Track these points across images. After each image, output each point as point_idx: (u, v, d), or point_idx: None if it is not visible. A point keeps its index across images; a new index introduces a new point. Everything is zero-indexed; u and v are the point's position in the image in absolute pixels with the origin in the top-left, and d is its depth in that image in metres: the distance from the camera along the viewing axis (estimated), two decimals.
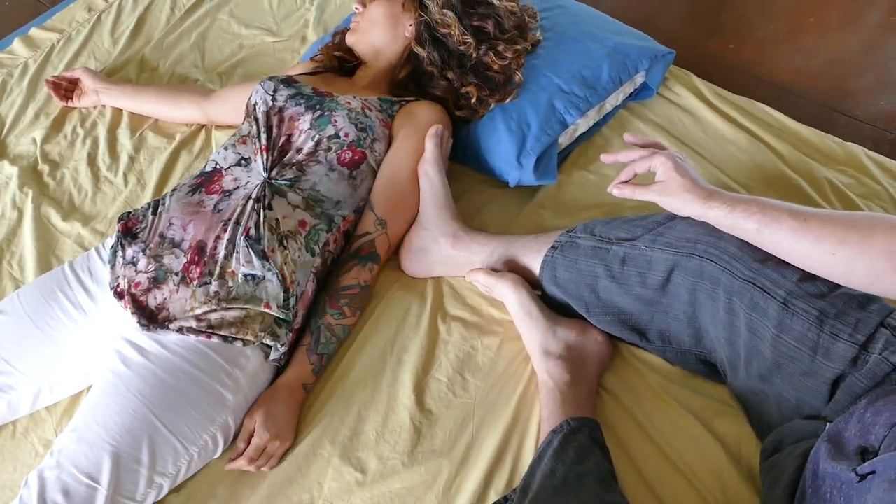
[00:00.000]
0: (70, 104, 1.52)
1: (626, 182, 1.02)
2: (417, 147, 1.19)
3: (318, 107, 1.19)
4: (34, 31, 1.68)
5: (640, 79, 1.36)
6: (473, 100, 1.26)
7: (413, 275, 1.21)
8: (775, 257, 0.90)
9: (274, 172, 1.13)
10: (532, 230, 1.21)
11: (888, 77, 1.54)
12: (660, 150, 0.99)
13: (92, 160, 1.43)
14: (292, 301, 1.06)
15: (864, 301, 0.88)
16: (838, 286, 0.88)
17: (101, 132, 1.47)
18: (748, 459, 0.97)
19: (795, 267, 0.89)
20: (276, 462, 1.02)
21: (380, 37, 1.29)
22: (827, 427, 0.81)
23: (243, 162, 1.15)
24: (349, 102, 1.19)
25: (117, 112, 1.50)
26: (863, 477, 0.63)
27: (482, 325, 1.14)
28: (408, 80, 1.30)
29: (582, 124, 1.30)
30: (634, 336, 1.06)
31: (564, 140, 1.30)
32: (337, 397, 1.08)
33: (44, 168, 1.42)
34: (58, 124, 1.50)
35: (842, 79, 1.51)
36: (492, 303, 1.16)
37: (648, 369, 1.07)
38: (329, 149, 1.15)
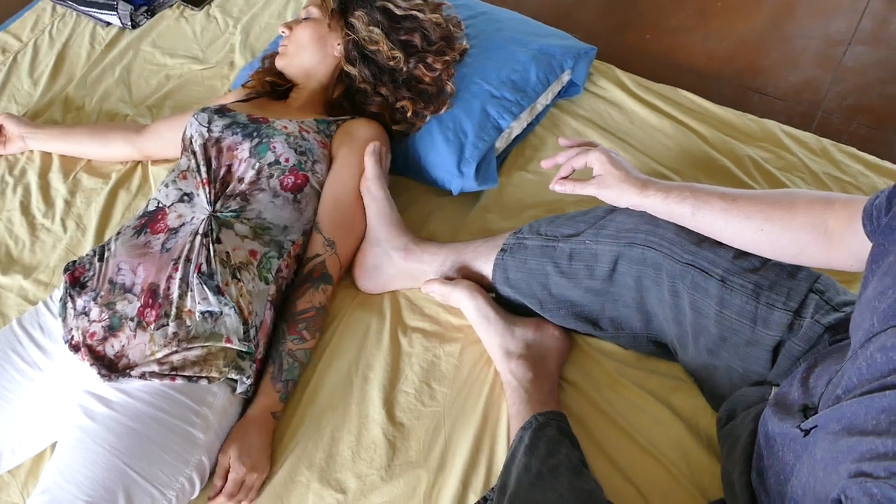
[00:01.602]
0: None
1: (566, 178, 1.07)
2: (358, 165, 1.21)
3: (255, 134, 1.19)
4: None
5: (566, 77, 1.41)
6: (409, 113, 1.28)
7: (369, 292, 1.23)
8: (710, 239, 0.96)
9: (218, 205, 1.13)
10: (480, 234, 1.25)
11: (792, 53, 1.64)
12: (594, 147, 1.04)
13: (25, 208, 1.39)
14: (252, 332, 1.07)
15: (793, 270, 0.94)
16: (768, 259, 0.94)
17: (32, 178, 1.43)
18: (706, 430, 1.03)
19: (729, 246, 0.95)
20: (256, 494, 1.03)
21: (309, 58, 1.30)
22: (773, 391, 0.87)
23: (186, 198, 1.15)
24: (286, 127, 1.20)
25: (47, 156, 1.46)
26: (806, 432, 0.69)
27: (442, 334, 1.17)
28: (342, 99, 1.31)
29: (516, 127, 1.34)
30: (588, 326, 1.10)
31: (501, 144, 1.33)
32: (308, 422, 1.09)
33: None
34: None
35: (752, 58, 1.60)
36: (449, 310, 1.19)
37: (605, 356, 1.12)
38: (271, 175, 1.16)
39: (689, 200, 0.95)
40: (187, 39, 1.67)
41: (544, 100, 1.38)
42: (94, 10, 1.67)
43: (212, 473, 1.03)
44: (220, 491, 1.01)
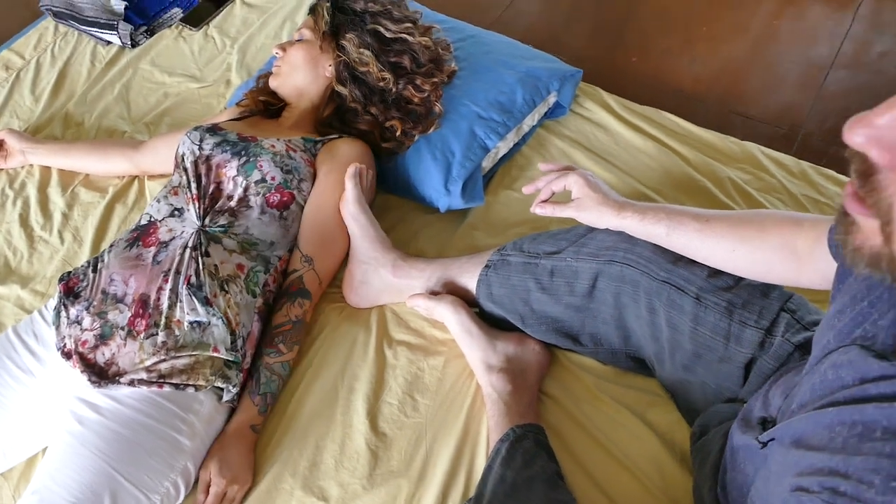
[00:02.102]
0: None
1: (546, 201, 1.10)
2: (337, 183, 1.24)
3: (243, 153, 1.22)
4: None
5: (552, 99, 1.45)
6: (398, 132, 1.32)
7: (357, 306, 1.26)
8: (685, 258, 1.00)
9: (207, 220, 1.16)
10: (466, 251, 1.28)
11: (775, 77, 1.68)
12: (572, 170, 1.08)
13: (24, 221, 1.43)
14: (240, 342, 1.09)
15: (766, 289, 0.97)
16: (742, 278, 0.97)
17: (32, 192, 1.47)
18: (681, 445, 1.06)
19: (704, 265, 0.98)
20: None
21: (301, 79, 1.34)
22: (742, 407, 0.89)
23: (176, 213, 1.18)
24: (273, 146, 1.24)
25: (46, 170, 1.50)
26: (764, 444, 0.71)
27: (427, 347, 1.20)
28: (332, 118, 1.35)
29: (502, 147, 1.38)
30: (568, 342, 1.13)
31: (487, 163, 1.37)
32: (293, 432, 1.11)
33: None
34: None
35: (736, 82, 1.64)
36: (434, 324, 1.22)
37: (584, 371, 1.14)
38: (258, 193, 1.19)
39: (664, 221, 0.99)
40: (185, 58, 1.72)
41: (531, 120, 1.42)
42: (95, 29, 1.72)
43: (197, 480, 1.06)
44: None
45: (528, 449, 1.00)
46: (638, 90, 1.56)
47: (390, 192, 1.38)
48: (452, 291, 1.20)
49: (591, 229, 1.10)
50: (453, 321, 1.15)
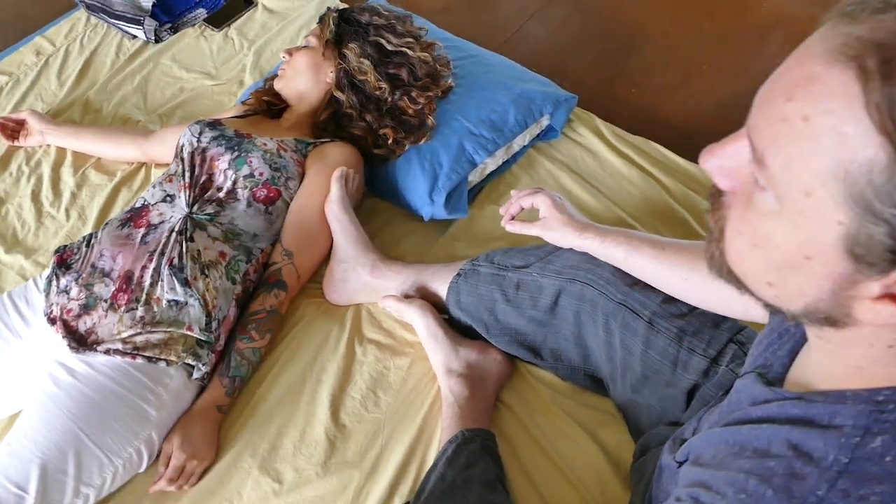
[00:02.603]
0: (16, 143, 1.59)
1: (515, 218, 1.15)
2: (323, 184, 1.30)
3: (236, 148, 1.29)
4: None
5: (545, 121, 1.49)
6: (390, 141, 1.37)
7: (335, 303, 1.31)
8: (642, 282, 1.03)
9: (195, 208, 1.23)
10: (445, 260, 1.33)
11: None
12: (540, 190, 1.12)
13: (35, 196, 1.51)
14: (214, 325, 1.15)
15: (719, 320, 1.00)
16: (696, 307, 1.01)
17: (46, 170, 1.55)
18: (626, 464, 1.08)
19: (660, 291, 1.02)
20: (196, 480, 1.10)
21: (303, 83, 1.41)
22: None
23: (168, 198, 1.25)
24: (265, 144, 1.30)
25: (61, 151, 1.58)
26: (680, 463, 0.75)
27: (395, 347, 1.24)
28: (328, 122, 1.41)
29: (490, 163, 1.43)
30: (530, 355, 1.17)
31: (475, 178, 1.42)
32: (259, 415, 1.16)
33: None
34: (4, 162, 1.57)
35: (728, 120, 1.66)
36: (405, 327, 1.26)
37: (542, 385, 1.18)
38: (245, 187, 1.25)
39: (622, 246, 1.03)
40: (204, 57, 1.80)
41: (521, 140, 1.47)
42: (122, 23, 1.82)
43: (160, 453, 1.11)
44: (162, 476, 1.08)
45: (474, 451, 1.03)
46: (633, 120, 1.60)
47: (378, 197, 1.44)
48: (425, 296, 1.24)
49: (559, 248, 1.14)
50: (421, 324, 1.19)
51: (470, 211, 1.43)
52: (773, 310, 0.53)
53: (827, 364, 0.55)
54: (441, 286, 1.23)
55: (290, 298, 1.27)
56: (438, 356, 1.17)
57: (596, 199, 1.42)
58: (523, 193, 1.14)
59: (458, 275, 1.20)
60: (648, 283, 1.02)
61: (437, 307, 1.23)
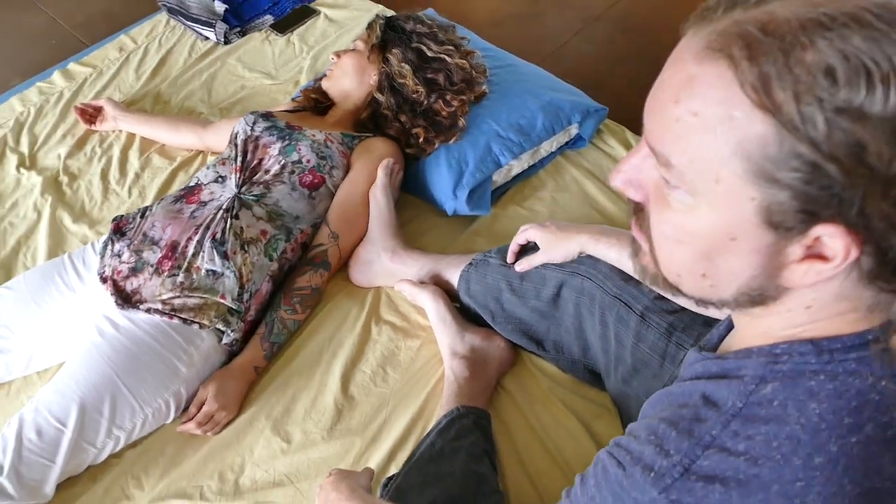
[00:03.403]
0: (93, 128, 1.77)
1: (519, 258, 1.21)
2: (370, 175, 1.41)
3: (287, 137, 1.41)
4: (72, 66, 1.96)
5: (574, 130, 1.56)
6: (421, 139, 1.47)
7: (358, 284, 1.40)
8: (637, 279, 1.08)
9: (244, 189, 1.35)
10: (466, 253, 1.40)
11: None
12: (528, 227, 1.19)
13: (104, 175, 1.67)
14: (246, 297, 1.26)
15: (709, 320, 1.04)
16: None
17: (116, 152, 1.72)
18: None
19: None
20: (220, 430, 1.21)
21: (348, 83, 1.52)
22: None
23: (220, 179, 1.38)
24: (314, 135, 1.42)
25: (131, 136, 1.75)
26: None
27: (408, 330, 1.32)
28: (368, 121, 1.52)
29: (516, 165, 1.50)
30: (532, 345, 1.22)
31: (500, 178, 1.49)
32: (278, 381, 1.27)
33: (63, 179, 1.67)
34: (80, 144, 1.75)
35: None
36: (419, 312, 1.34)
37: (543, 375, 1.24)
38: (293, 172, 1.37)
39: (615, 247, 1.08)
40: (266, 59, 1.95)
41: (549, 146, 1.54)
42: (197, 25, 1.99)
43: (187, 406, 1.22)
44: (192, 418, 1.19)
45: (466, 426, 1.10)
46: None
47: (408, 192, 1.53)
48: (439, 283, 1.32)
49: None
50: (431, 308, 1.27)
51: (493, 210, 1.50)
52: (706, 304, 0.58)
53: (745, 330, 0.60)
54: (454, 275, 1.30)
55: (330, 277, 1.37)
56: (445, 339, 1.24)
57: (617, 207, 1.47)
58: (520, 238, 1.20)
59: (470, 264, 1.28)
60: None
61: (450, 295, 1.31)
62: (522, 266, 1.19)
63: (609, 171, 1.56)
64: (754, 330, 0.57)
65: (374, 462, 1.15)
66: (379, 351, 1.30)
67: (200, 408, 1.20)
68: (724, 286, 0.54)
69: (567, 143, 1.58)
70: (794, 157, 0.44)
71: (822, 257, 0.48)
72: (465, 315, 1.30)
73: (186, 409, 1.23)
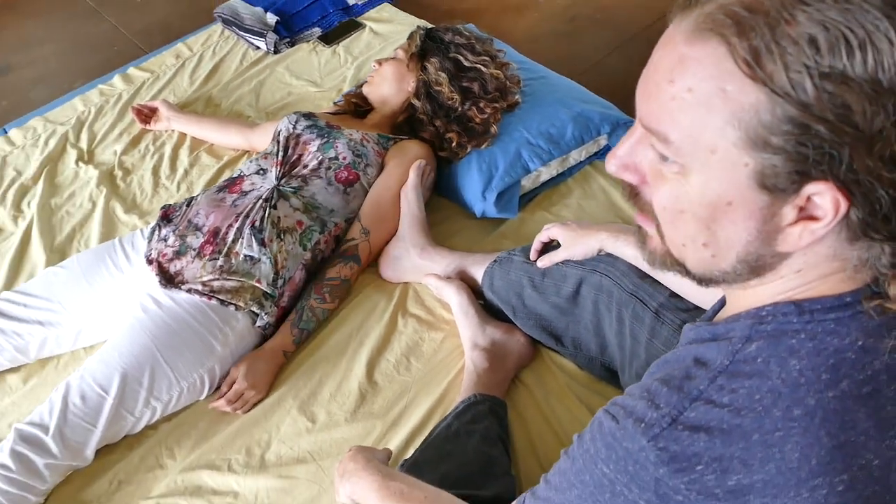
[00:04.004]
0: (147, 127, 1.88)
1: (542, 255, 1.25)
2: (403, 174, 1.47)
3: (326, 135, 1.49)
4: (132, 70, 2.09)
5: (603, 140, 1.60)
6: (454, 144, 1.53)
7: (387, 279, 1.46)
8: (653, 277, 1.12)
9: (283, 181, 1.43)
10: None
11: None
12: (550, 226, 1.24)
13: (155, 170, 1.78)
14: (280, 282, 1.33)
15: None
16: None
17: (167, 150, 1.82)
18: None
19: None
20: (249, 409, 1.27)
21: (388, 89, 1.60)
22: None
23: (261, 171, 1.46)
24: (351, 134, 1.49)
25: (182, 136, 1.85)
26: None
27: (433, 322, 1.38)
28: (403, 125, 1.59)
29: (544, 172, 1.55)
30: (552, 341, 1.26)
31: (528, 183, 1.55)
32: (307, 365, 1.33)
33: (118, 173, 1.78)
34: (135, 141, 1.86)
35: None
36: (444, 307, 1.39)
37: (561, 371, 1.27)
38: (329, 167, 1.44)
39: (633, 244, 1.12)
40: (312, 68, 2.04)
41: (577, 155, 1.58)
42: (250, 35, 2.10)
43: (219, 386, 1.29)
44: (223, 396, 1.26)
45: (481, 411, 1.14)
46: None
47: (440, 194, 1.59)
48: (464, 279, 1.38)
49: None
50: (455, 301, 1.32)
51: (521, 214, 1.55)
52: (708, 281, 0.61)
53: (737, 301, 0.63)
54: (479, 271, 1.35)
55: (361, 271, 1.44)
56: (467, 331, 1.29)
57: None
58: (543, 236, 1.25)
59: (495, 261, 1.33)
60: (657, 278, 1.10)
61: (474, 292, 1.36)
62: (544, 262, 1.23)
63: None
64: (746, 300, 0.61)
65: (393, 444, 1.19)
66: (404, 341, 1.35)
67: (231, 386, 1.27)
68: (724, 255, 0.57)
69: (596, 154, 1.63)
70: (786, 121, 0.48)
71: (813, 218, 0.51)
72: (488, 312, 1.34)
73: (220, 388, 1.29)
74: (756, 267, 0.57)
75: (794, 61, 0.47)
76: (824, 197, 0.50)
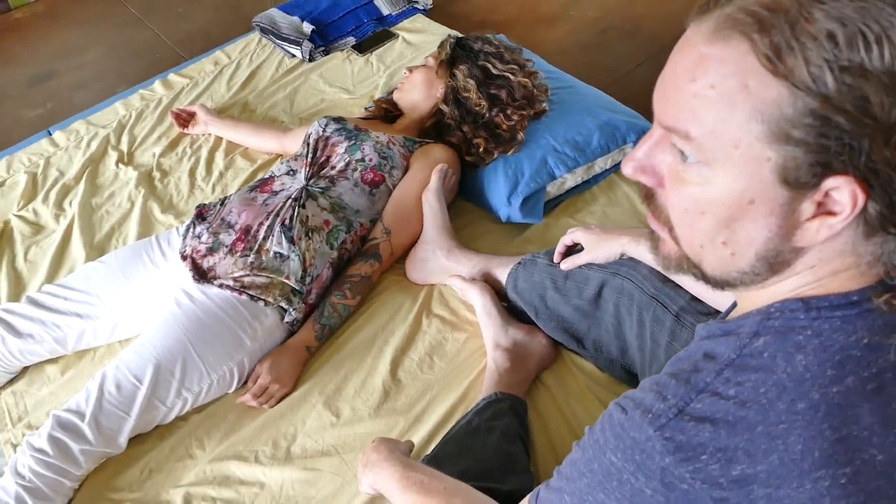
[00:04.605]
0: (185, 131, 1.94)
1: (565, 258, 1.27)
2: (426, 177, 1.50)
3: (353, 138, 1.53)
4: (172, 76, 2.16)
5: (628, 149, 1.62)
6: (481, 150, 1.56)
7: (414, 281, 1.49)
8: (673, 281, 1.13)
9: (311, 182, 1.47)
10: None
11: None
12: (574, 229, 1.26)
13: (192, 172, 1.83)
14: (308, 279, 1.37)
15: None
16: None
17: (204, 153, 1.88)
18: None
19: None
20: (275, 403, 1.31)
21: (417, 95, 1.64)
22: None
23: (291, 172, 1.51)
24: (378, 137, 1.53)
25: (218, 139, 1.91)
26: None
27: (456, 323, 1.40)
28: (431, 129, 1.63)
29: (570, 179, 1.57)
30: (573, 342, 1.28)
31: (554, 189, 1.57)
32: (332, 362, 1.36)
33: (156, 175, 1.84)
34: (173, 145, 1.92)
35: None
36: (468, 308, 1.42)
37: (581, 372, 1.29)
38: (356, 169, 1.48)
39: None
40: (345, 75, 2.10)
41: (603, 163, 1.60)
42: (286, 44, 2.16)
43: (248, 378, 1.33)
44: (249, 391, 1.30)
45: (502, 409, 1.16)
46: None
47: (466, 198, 1.62)
48: (488, 281, 1.40)
49: None
50: (479, 303, 1.35)
51: (546, 220, 1.57)
52: (724, 283, 0.62)
53: (749, 300, 0.64)
54: (503, 273, 1.37)
55: (382, 270, 1.47)
56: (489, 331, 1.31)
57: None
58: (567, 239, 1.27)
59: (519, 263, 1.35)
60: (678, 282, 1.12)
61: (498, 294, 1.38)
62: (567, 265, 1.25)
63: None
64: (758, 298, 0.62)
65: (415, 440, 1.21)
66: (427, 341, 1.37)
67: (256, 381, 1.30)
68: (743, 253, 0.58)
69: (622, 162, 1.64)
70: (807, 113, 0.50)
71: (831, 213, 0.53)
72: (511, 314, 1.36)
73: (248, 380, 1.33)
74: (774, 264, 0.58)
75: (815, 56, 0.49)
76: (842, 192, 0.51)
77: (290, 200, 1.42)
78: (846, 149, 0.50)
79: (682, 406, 0.58)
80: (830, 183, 0.51)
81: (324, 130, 1.57)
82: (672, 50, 0.58)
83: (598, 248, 1.21)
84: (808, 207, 0.54)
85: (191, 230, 1.44)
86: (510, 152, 1.57)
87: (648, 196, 0.64)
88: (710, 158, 0.55)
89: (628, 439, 0.61)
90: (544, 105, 1.63)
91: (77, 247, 1.67)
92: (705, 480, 0.56)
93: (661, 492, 0.58)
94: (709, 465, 0.56)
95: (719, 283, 0.63)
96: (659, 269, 1.12)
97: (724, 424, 0.56)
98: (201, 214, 1.47)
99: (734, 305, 0.74)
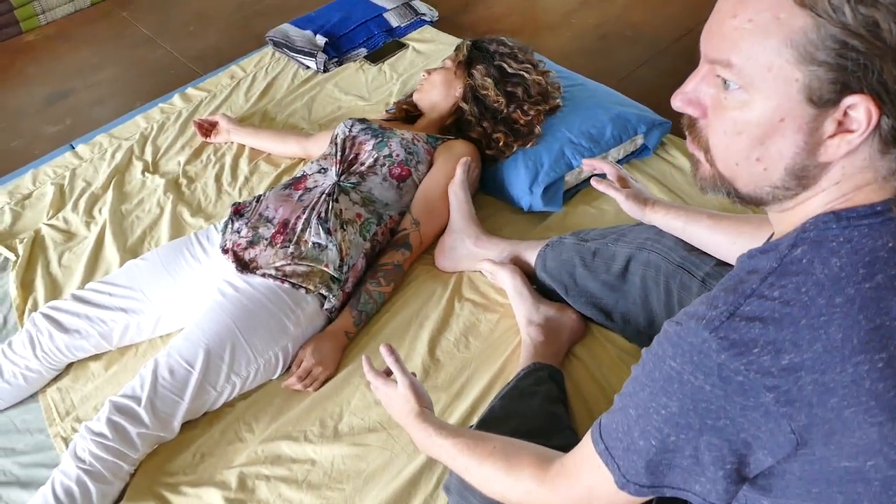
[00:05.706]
0: (208, 140, 2.01)
1: (601, 179, 1.35)
2: (450, 171, 1.58)
3: (380, 136, 1.61)
4: (190, 90, 2.23)
5: (639, 140, 1.71)
6: (501, 144, 1.64)
7: (443, 269, 1.56)
8: (699, 249, 1.20)
9: (342, 178, 1.54)
10: None
11: None
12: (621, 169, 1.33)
13: (218, 178, 1.90)
14: (345, 268, 1.43)
15: None
16: None
17: (228, 160, 1.95)
18: None
19: (714, 257, 1.19)
20: (319, 386, 1.36)
21: (437, 95, 1.72)
22: None
23: (322, 170, 1.58)
24: (403, 134, 1.61)
25: (241, 147, 1.98)
26: None
27: (487, 305, 1.47)
28: (451, 126, 1.71)
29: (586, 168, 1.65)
30: (602, 316, 1.35)
31: (571, 179, 1.65)
32: (371, 345, 1.42)
33: (183, 181, 1.90)
34: (197, 153, 1.99)
35: None
36: (498, 291, 1.48)
37: (611, 344, 1.36)
38: (384, 164, 1.56)
39: (682, 217, 1.21)
40: (360, 84, 2.18)
41: (616, 154, 1.69)
42: (300, 56, 2.24)
43: (292, 363, 1.39)
44: (294, 374, 1.35)
45: (542, 377, 1.23)
46: None
47: (488, 192, 1.70)
48: (516, 264, 1.47)
49: (631, 227, 1.34)
50: (509, 284, 1.42)
51: (565, 208, 1.65)
52: (755, 200, 0.71)
53: (783, 225, 0.72)
54: (531, 255, 1.45)
55: (412, 259, 1.54)
56: (522, 310, 1.38)
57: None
58: (620, 170, 1.36)
59: (547, 245, 1.42)
60: (703, 249, 1.19)
61: (526, 275, 1.45)
62: (601, 186, 1.31)
63: (671, 177, 1.70)
64: (791, 219, 0.70)
65: (457, 413, 1.28)
66: (462, 323, 1.44)
67: (301, 365, 1.36)
68: (774, 167, 0.66)
69: (633, 153, 1.73)
70: (829, 38, 0.59)
71: (849, 131, 0.62)
72: (539, 292, 1.43)
73: (291, 365, 1.39)
74: (802, 178, 0.66)
75: None
76: (858, 110, 0.60)
77: (323, 195, 1.49)
78: (861, 68, 0.59)
79: (733, 310, 0.65)
80: (848, 101, 0.60)
81: (350, 130, 1.65)
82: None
83: (630, 199, 1.28)
84: (829, 126, 0.62)
85: (229, 226, 1.50)
86: (529, 145, 1.65)
87: (691, 125, 0.72)
88: (748, 83, 0.64)
89: (685, 345, 0.67)
90: (558, 101, 1.72)
91: (111, 250, 1.72)
92: (758, 371, 0.63)
93: (719, 386, 0.64)
94: (760, 356, 0.63)
95: (753, 200, 0.70)
96: (690, 237, 1.20)
97: (771, 321, 0.63)
98: (238, 211, 1.54)
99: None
